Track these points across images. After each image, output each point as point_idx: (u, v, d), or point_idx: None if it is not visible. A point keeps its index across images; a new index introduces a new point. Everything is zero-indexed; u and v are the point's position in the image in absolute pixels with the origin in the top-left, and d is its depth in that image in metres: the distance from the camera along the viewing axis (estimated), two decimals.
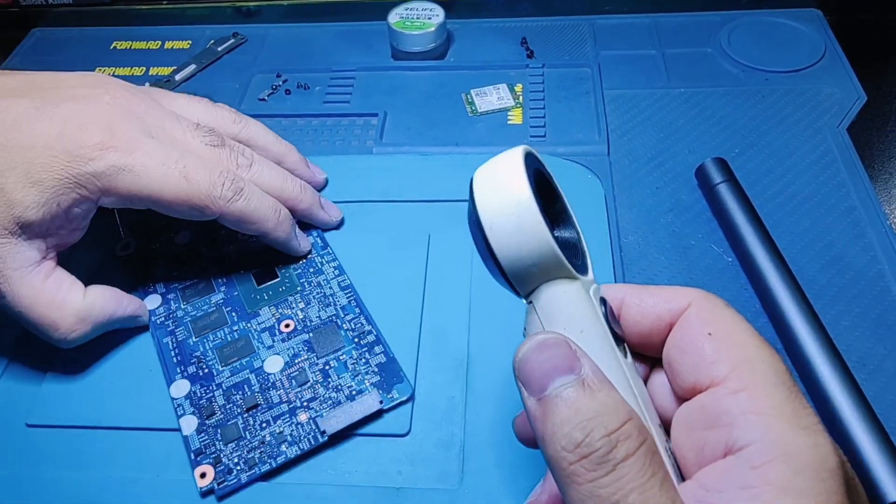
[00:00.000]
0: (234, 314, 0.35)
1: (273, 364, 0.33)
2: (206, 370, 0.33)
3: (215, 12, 0.55)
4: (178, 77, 0.50)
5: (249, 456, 0.30)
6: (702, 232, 0.38)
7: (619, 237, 0.38)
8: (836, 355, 0.31)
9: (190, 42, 0.54)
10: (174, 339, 0.34)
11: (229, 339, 0.34)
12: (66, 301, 0.32)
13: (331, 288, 0.35)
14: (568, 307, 0.21)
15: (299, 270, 0.36)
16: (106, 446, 0.31)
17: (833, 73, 0.47)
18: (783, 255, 0.35)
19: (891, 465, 0.27)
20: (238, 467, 0.29)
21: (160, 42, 0.54)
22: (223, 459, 0.30)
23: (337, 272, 0.36)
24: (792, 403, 0.19)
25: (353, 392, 0.31)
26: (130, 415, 0.32)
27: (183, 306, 0.35)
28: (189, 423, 0.31)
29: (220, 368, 0.33)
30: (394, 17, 0.49)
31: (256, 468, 0.29)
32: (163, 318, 0.35)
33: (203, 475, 0.29)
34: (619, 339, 0.22)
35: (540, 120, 0.45)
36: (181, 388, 0.32)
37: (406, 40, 0.49)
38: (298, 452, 0.30)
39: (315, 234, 0.38)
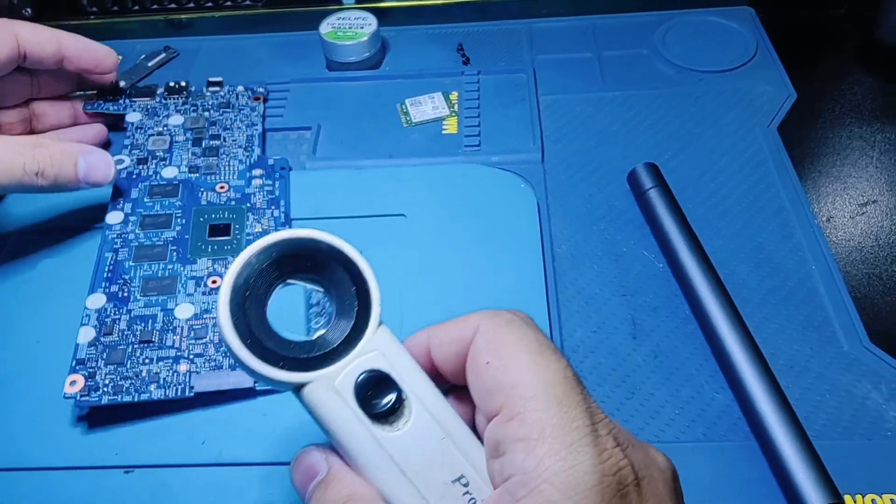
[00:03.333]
0: (175, 254, 0.36)
1: (183, 311, 0.34)
2: (126, 294, 0.35)
3: (146, 26, 0.54)
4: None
5: (119, 383, 0.31)
6: (634, 238, 0.38)
7: (551, 247, 0.38)
8: (762, 361, 0.31)
9: (120, 58, 0.52)
10: (114, 258, 0.36)
11: (159, 275, 0.36)
12: None
13: None
14: (312, 410, 0.22)
15: (252, 238, 0.37)
16: (21, 490, 0.30)
17: (765, 71, 0.47)
18: (711, 260, 0.35)
19: (812, 472, 0.27)
20: (105, 388, 0.31)
21: None
22: (96, 377, 0.31)
23: None
24: (561, 420, 0.19)
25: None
26: (41, 455, 0.31)
27: (137, 231, 0.37)
28: (86, 334, 0.33)
29: (138, 297, 0.35)
30: (325, 27, 0.48)
31: (119, 396, 0.31)
32: (115, 236, 0.37)
33: (73, 383, 0.31)
34: (388, 412, 0.22)
35: (475, 129, 0.44)
36: (97, 300, 0.34)
37: (339, 51, 0.48)
38: (162, 397, 0.31)
39: (283, 204, 0.39)
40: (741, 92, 0.46)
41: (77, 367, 0.32)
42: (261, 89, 0.47)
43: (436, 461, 0.21)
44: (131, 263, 0.36)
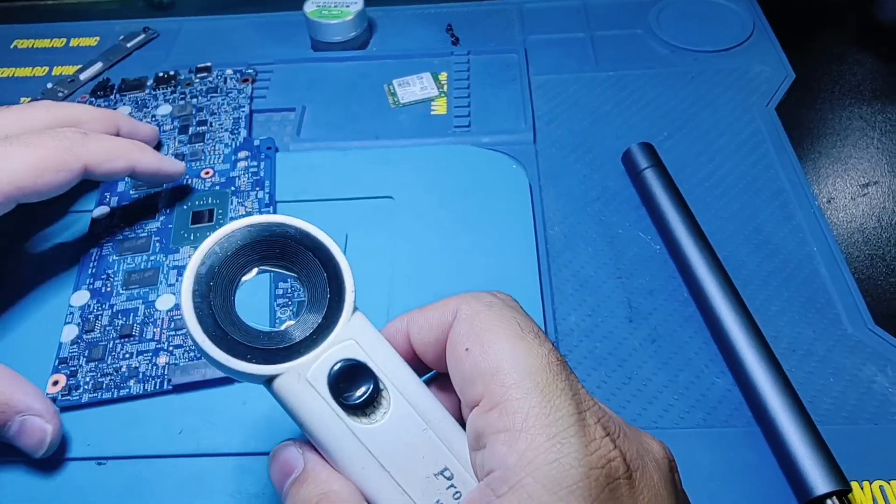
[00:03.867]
0: (157, 244, 0.35)
1: (164, 302, 0.33)
2: (109, 289, 0.34)
3: (126, 6, 0.52)
4: (82, 76, 0.47)
5: (100, 380, 0.31)
6: (630, 219, 0.37)
7: (544, 229, 0.36)
8: (763, 344, 0.30)
9: (98, 38, 0.50)
10: (99, 253, 0.35)
11: (142, 267, 0.35)
12: None
13: None
14: (284, 403, 0.21)
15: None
16: None
17: (762, 50, 0.46)
18: (710, 241, 0.34)
19: (818, 458, 0.26)
20: (85, 386, 0.30)
21: (65, 39, 0.51)
22: (78, 375, 0.31)
23: None
24: (543, 409, 0.18)
25: None
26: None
27: (121, 224, 0.36)
28: (70, 333, 0.32)
29: (121, 291, 0.34)
30: (310, 5, 0.47)
31: (99, 393, 0.30)
32: (101, 230, 0.36)
33: (56, 383, 0.30)
34: (365, 404, 0.20)
35: (464, 109, 0.43)
36: (81, 298, 0.33)
37: (324, 30, 0.46)
38: (140, 392, 0.30)
39: (268, 185, 0.38)
40: (738, 72, 0.45)
41: (60, 367, 0.31)
42: (249, 71, 0.45)
43: (417, 454, 0.20)
44: (115, 258, 0.35)
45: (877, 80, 0.45)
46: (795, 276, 0.34)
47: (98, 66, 0.47)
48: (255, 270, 0.22)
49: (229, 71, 0.45)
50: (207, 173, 0.39)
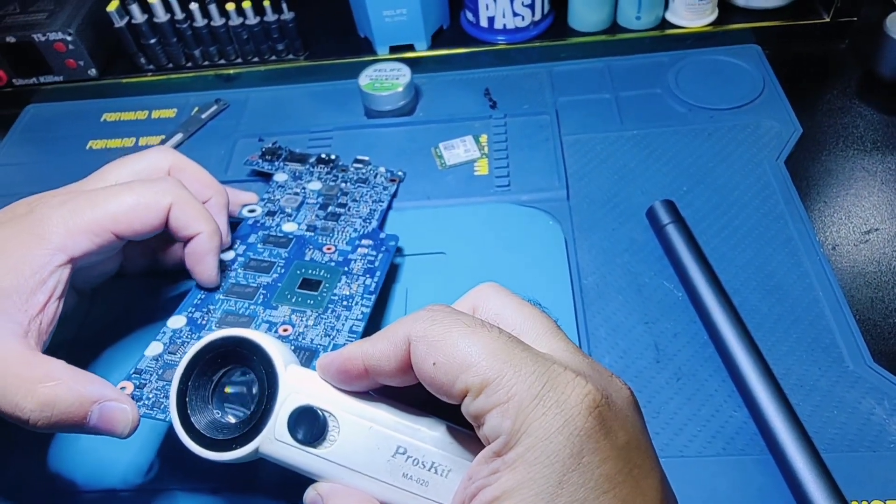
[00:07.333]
0: (262, 296, 0.38)
1: None
2: (204, 322, 0.36)
3: (198, 80, 0.58)
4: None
5: (161, 399, 0.32)
6: (654, 269, 0.42)
7: (579, 279, 0.42)
8: (774, 381, 0.34)
9: (176, 110, 0.57)
10: (206, 291, 0.38)
11: (240, 312, 0.37)
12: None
13: (343, 324, 0.37)
14: (273, 462, 0.27)
15: (336, 297, 0.38)
16: None
17: (772, 107, 0.51)
18: (725, 288, 0.39)
19: (821, 482, 0.31)
20: (146, 401, 0.32)
21: (147, 112, 0.57)
22: (145, 388, 0.33)
23: (359, 319, 0.37)
24: (518, 378, 0.22)
25: None
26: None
27: (239, 270, 0.39)
28: (155, 349, 0.34)
29: (213, 328, 0.36)
30: (364, 79, 0.53)
31: (155, 412, 0.32)
32: (222, 270, 0.39)
33: (122, 388, 0.32)
34: (320, 433, 0.26)
35: (504, 169, 0.48)
36: (177, 322, 0.36)
37: (376, 101, 0.52)
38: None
39: (378, 276, 0.39)
40: (750, 128, 0.49)
41: (133, 376, 0.33)
42: (399, 172, 0.49)
43: (372, 447, 0.26)
44: (221, 297, 0.38)
45: (878, 131, 0.49)
46: (802, 318, 0.39)
47: (179, 136, 0.54)
48: (214, 382, 0.28)
49: (382, 168, 0.48)
50: (329, 249, 0.41)
